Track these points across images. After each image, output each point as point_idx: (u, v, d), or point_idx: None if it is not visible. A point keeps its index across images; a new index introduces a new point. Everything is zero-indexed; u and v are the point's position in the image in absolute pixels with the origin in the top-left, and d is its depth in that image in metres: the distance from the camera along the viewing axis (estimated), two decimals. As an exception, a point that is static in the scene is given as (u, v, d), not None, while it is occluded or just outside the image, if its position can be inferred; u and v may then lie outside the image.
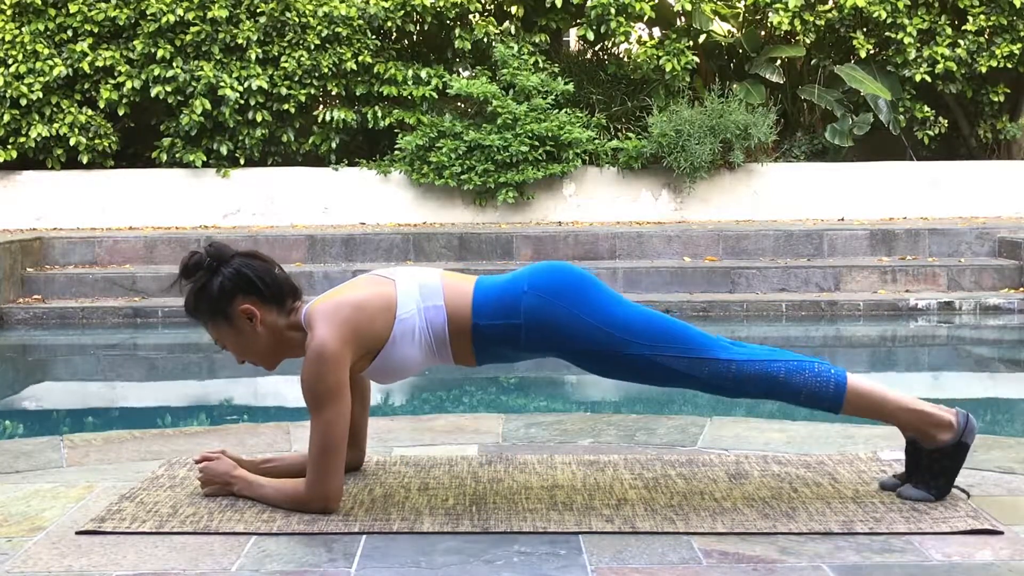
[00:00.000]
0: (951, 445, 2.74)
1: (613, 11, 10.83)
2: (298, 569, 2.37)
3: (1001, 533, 2.56)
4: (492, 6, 11.49)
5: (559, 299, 2.72)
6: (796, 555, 2.43)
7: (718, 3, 11.38)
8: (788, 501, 2.79)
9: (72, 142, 10.61)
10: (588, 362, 2.80)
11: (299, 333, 2.79)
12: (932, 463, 2.77)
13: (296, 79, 10.72)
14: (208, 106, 10.54)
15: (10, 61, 10.54)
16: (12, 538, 2.58)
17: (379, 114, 10.83)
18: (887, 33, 11.08)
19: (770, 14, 11.24)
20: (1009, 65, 11.04)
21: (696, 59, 11.13)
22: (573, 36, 12.25)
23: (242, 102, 10.65)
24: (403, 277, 2.82)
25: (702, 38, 11.49)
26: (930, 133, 11.30)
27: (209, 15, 10.54)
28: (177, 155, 10.78)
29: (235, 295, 2.76)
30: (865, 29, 11.21)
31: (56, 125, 10.60)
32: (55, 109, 10.68)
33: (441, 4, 10.75)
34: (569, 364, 2.84)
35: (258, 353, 2.84)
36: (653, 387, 3.14)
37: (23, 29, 10.61)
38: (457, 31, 10.99)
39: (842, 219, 10.65)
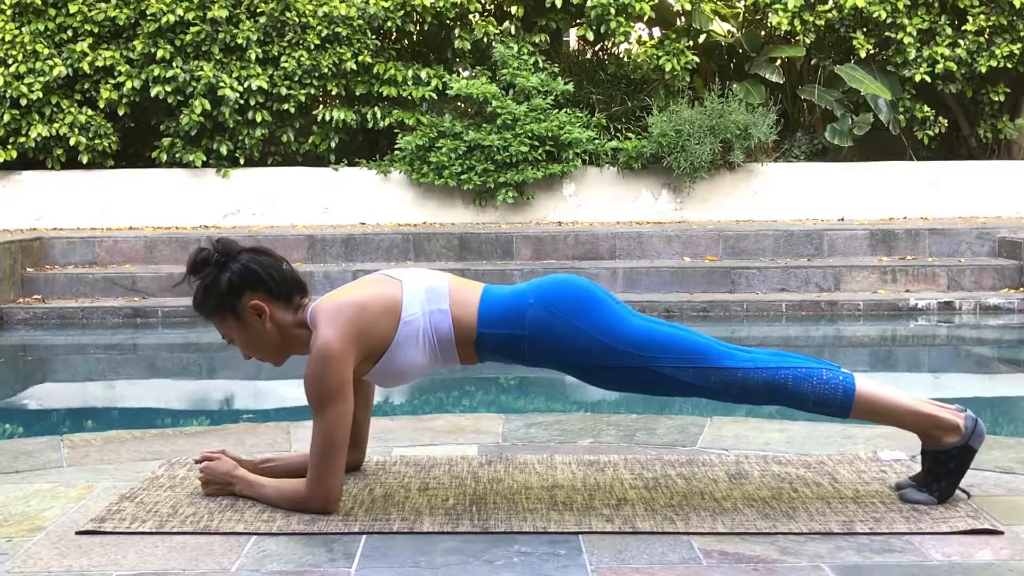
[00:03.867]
0: (956, 448, 2.72)
1: (613, 11, 10.83)
2: (298, 569, 2.37)
3: (1001, 533, 2.56)
4: (492, 6, 11.49)
5: (563, 312, 2.71)
6: (796, 555, 2.43)
7: (718, 3, 11.38)
8: (788, 501, 2.79)
9: (72, 142, 10.61)
10: (592, 376, 2.79)
11: (305, 331, 2.78)
12: (936, 465, 2.75)
13: (296, 79, 10.72)
14: (208, 106, 10.54)
15: (10, 61, 10.54)
16: (12, 538, 2.58)
17: (379, 114, 10.83)
18: (887, 33, 11.08)
19: (770, 14, 11.24)
20: (1009, 65, 11.04)
21: (696, 59, 11.13)
22: (573, 36, 12.25)
23: (242, 102, 10.65)
24: (410, 278, 2.81)
25: (702, 38, 11.49)
26: (930, 133, 11.30)
27: (209, 15, 10.54)
28: (177, 155, 10.78)
29: (244, 291, 2.75)
30: (865, 29, 11.21)
31: (56, 125, 10.60)
32: (55, 109, 10.68)
33: (441, 4, 10.75)
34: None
35: (266, 349, 2.83)
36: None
37: (23, 29, 10.61)
38: (457, 31, 10.98)
39: (842, 219, 10.65)
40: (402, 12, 10.77)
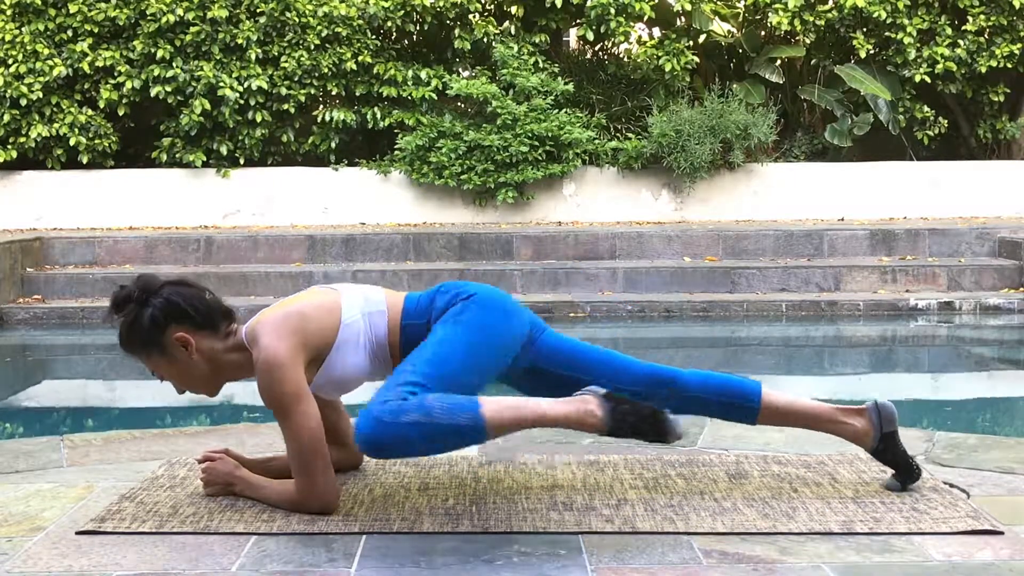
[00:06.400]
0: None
1: (613, 11, 10.83)
2: (298, 569, 2.37)
3: (1001, 533, 2.56)
4: (492, 6, 11.49)
5: (466, 304, 2.78)
6: (796, 555, 2.44)
7: (718, 3, 11.38)
8: (788, 501, 2.79)
9: (72, 142, 10.60)
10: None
11: (239, 354, 2.79)
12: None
13: (296, 79, 10.72)
14: (208, 106, 10.54)
15: (10, 61, 10.54)
16: (12, 538, 2.58)
17: (379, 114, 10.83)
18: (887, 33, 11.08)
19: (770, 14, 11.23)
20: (1009, 65, 11.04)
21: (696, 59, 11.13)
22: (573, 36, 12.25)
23: (242, 102, 10.64)
24: (347, 287, 2.89)
25: (702, 38, 11.49)
26: (930, 133, 11.30)
27: (209, 15, 10.54)
28: (177, 155, 10.78)
29: (167, 324, 2.76)
30: (865, 29, 11.20)
31: (56, 125, 10.60)
32: (55, 109, 10.67)
33: (441, 4, 10.75)
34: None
35: (196, 381, 2.84)
36: None
37: (23, 29, 10.61)
38: (457, 31, 10.98)
39: (842, 219, 10.65)
40: (402, 12, 10.76)
